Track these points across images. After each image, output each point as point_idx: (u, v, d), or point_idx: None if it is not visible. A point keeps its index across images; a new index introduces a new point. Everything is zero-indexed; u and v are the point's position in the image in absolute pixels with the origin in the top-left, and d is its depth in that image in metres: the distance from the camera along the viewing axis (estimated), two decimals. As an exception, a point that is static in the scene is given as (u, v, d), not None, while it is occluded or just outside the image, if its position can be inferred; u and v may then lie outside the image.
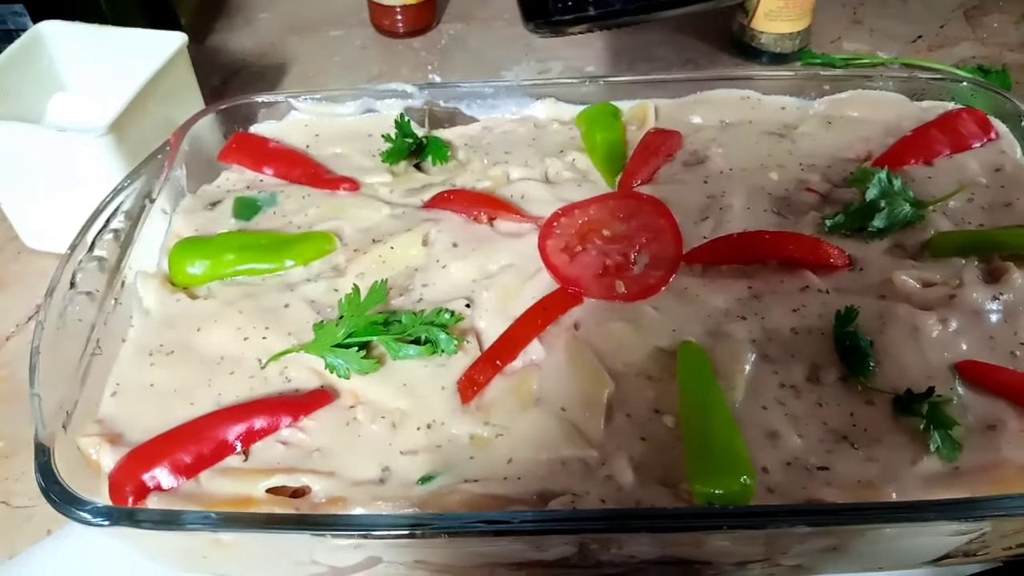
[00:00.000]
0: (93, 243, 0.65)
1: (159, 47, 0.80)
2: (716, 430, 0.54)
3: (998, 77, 0.95)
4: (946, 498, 0.51)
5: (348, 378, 0.58)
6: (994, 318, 0.60)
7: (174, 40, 0.81)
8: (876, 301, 0.61)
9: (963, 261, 0.63)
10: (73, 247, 0.64)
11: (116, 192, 0.68)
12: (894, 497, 0.51)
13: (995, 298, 0.60)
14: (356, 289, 0.60)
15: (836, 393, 0.57)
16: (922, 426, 0.53)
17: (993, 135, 0.74)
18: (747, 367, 0.58)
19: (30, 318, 0.78)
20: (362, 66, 1.07)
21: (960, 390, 0.56)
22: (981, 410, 0.55)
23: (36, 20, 0.86)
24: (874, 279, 0.63)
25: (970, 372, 0.57)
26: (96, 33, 0.84)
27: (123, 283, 0.65)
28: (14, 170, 0.77)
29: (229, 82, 1.05)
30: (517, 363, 0.59)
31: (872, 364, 0.57)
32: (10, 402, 0.71)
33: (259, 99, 0.79)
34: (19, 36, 0.83)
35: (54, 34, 0.84)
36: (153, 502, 0.53)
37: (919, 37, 1.06)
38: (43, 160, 0.75)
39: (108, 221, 0.66)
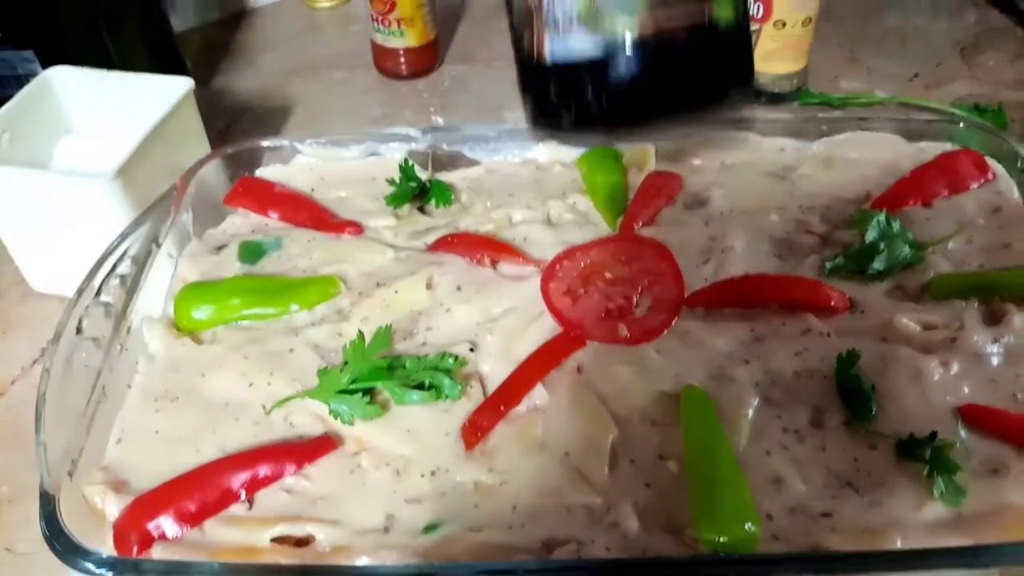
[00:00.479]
0: (100, 288, 0.65)
1: (166, 92, 0.81)
2: (721, 476, 0.54)
3: (994, 116, 0.96)
4: (953, 545, 0.50)
5: (352, 424, 0.58)
6: (995, 361, 0.60)
7: (181, 85, 0.82)
8: (878, 344, 0.61)
9: (963, 303, 0.64)
10: (80, 292, 0.64)
11: (123, 237, 0.68)
12: (899, 543, 0.51)
13: (996, 341, 0.61)
14: (361, 335, 0.61)
15: (839, 437, 0.57)
16: (925, 471, 0.53)
17: (990, 176, 0.74)
18: (751, 411, 0.58)
19: (35, 361, 0.78)
20: (365, 108, 1.08)
21: (963, 434, 0.56)
22: (984, 454, 0.55)
23: (45, 66, 0.87)
24: (875, 321, 0.63)
25: (972, 416, 0.57)
26: (103, 78, 0.85)
27: (129, 328, 0.65)
28: (21, 214, 0.78)
29: (234, 124, 1.06)
30: (521, 408, 0.59)
31: (874, 408, 0.57)
32: (14, 447, 0.71)
33: (264, 143, 0.80)
34: (29, 81, 0.84)
35: (63, 79, 0.85)
36: (158, 551, 0.53)
37: (916, 75, 1.07)
38: (50, 204, 0.75)
39: (115, 266, 0.67)
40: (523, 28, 0.57)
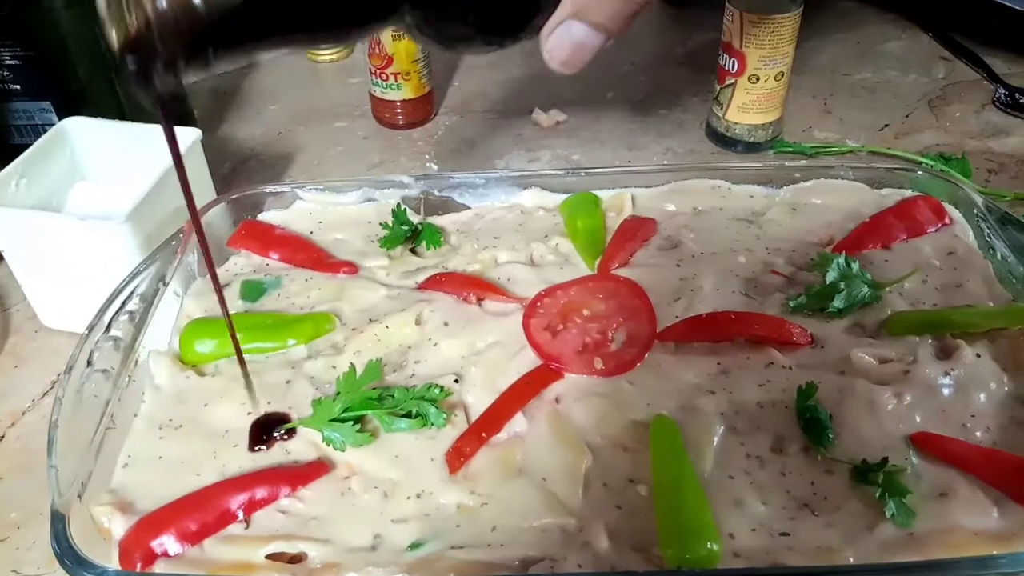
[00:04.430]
0: (110, 324, 0.70)
1: (175, 141, 0.86)
2: (686, 499, 0.58)
3: (958, 164, 1.01)
4: (901, 561, 0.54)
5: (344, 451, 0.62)
6: (946, 392, 0.64)
7: (189, 135, 0.87)
8: (836, 376, 0.65)
9: (917, 339, 0.68)
10: (91, 327, 0.69)
11: (132, 276, 0.73)
12: (851, 561, 0.55)
13: (947, 374, 0.65)
14: (352, 367, 0.65)
15: (798, 463, 0.61)
16: (878, 494, 0.57)
17: (947, 220, 0.79)
18: (716, 439, 0.62)
19: (45, 394, 0.82)
20: (363, 155, 1.13)
21: (914, 459, 0.60)
22: (934, 478, 0.59)
23: (61, 116, 0.93)
24: (834, 356, 0.67)
25: (923, 443, 0.61)
26: (116, 128, 0.91)
27: (136, 361, 0.69)
28: (36, 254, 0.82)
29: (239, 169, 1.11)
30: (502, 435, 0.63)
31: (831, 435, 0.61)
32: (24, 474, 0.75)
33: (267, 189, 0.85)
34: (46, 131, 0.90)
35: (77, 129, 0.91)
36: (160, 567, 0.56)
37: (886, 126, 1.13)
38: (63, 245, 0.80)
39: (124, 303, 0.71)
40: None
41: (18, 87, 0.95)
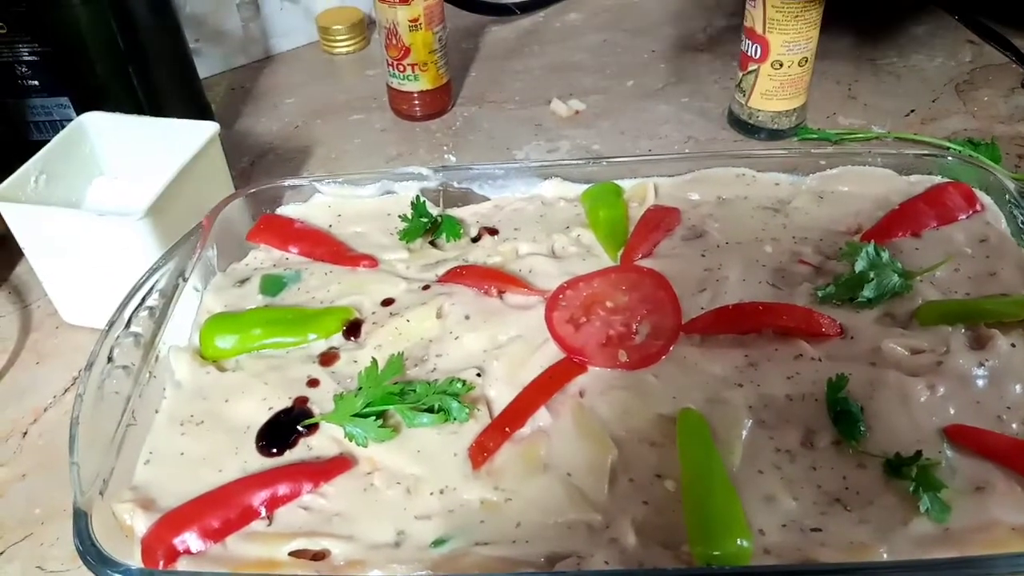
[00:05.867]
0: (130, 320, 0.69)
1: (193, 135, 0.86)
2: (715, 494, 0.56)
3: (988, 149, 0.98)
4: (937, 557, 0.53)
5: (366, 446, 0.62)
6: (980, 383, 0.63)
7: (207, 129, 0.86)
8: (867, 368, 0.64)
9: (950, 329, 0.66)
10: (111, 324, 0.68)
11: (151, 272, 0.73)
12: (885, 557, 0.53)
13: (981, 364, 0.63)
14: (374, 362, 0.64)
15: (829, 457, 0.59)
16: (912, 488, 0.56)
17: (978, 207, 0.77)
18: (744, 432, 0.61)
19: (67, 390, 0.83)
20: (381, 147, 1.12)
21: (948, 453, 0.59)
22: (969, 472, 0.58)
23: (79, 111, 0.92)
24: (864, 347, 0.66)
25: (958, 435, 0.59)
26: (134, 123, 0.91)
27: (157, 357, 0.69)
28: (56, 250, 0.82)
29: (257, 163, 1.11)
30: (525, 430, 0.62)
31: (863, 428, 0.60)
32: (46, 471, 0.75)
33: (285, 183, 0.84)
34: (64, 127, 0.90)
35: (96, 124, 0.90)
36: (183, 565, 0.56)
37: (912, 111, 1.11)
38: (83, 241, 0.80)
39: (144, 299, 0.71)
40: None
41: (36, 83, 0.95)
